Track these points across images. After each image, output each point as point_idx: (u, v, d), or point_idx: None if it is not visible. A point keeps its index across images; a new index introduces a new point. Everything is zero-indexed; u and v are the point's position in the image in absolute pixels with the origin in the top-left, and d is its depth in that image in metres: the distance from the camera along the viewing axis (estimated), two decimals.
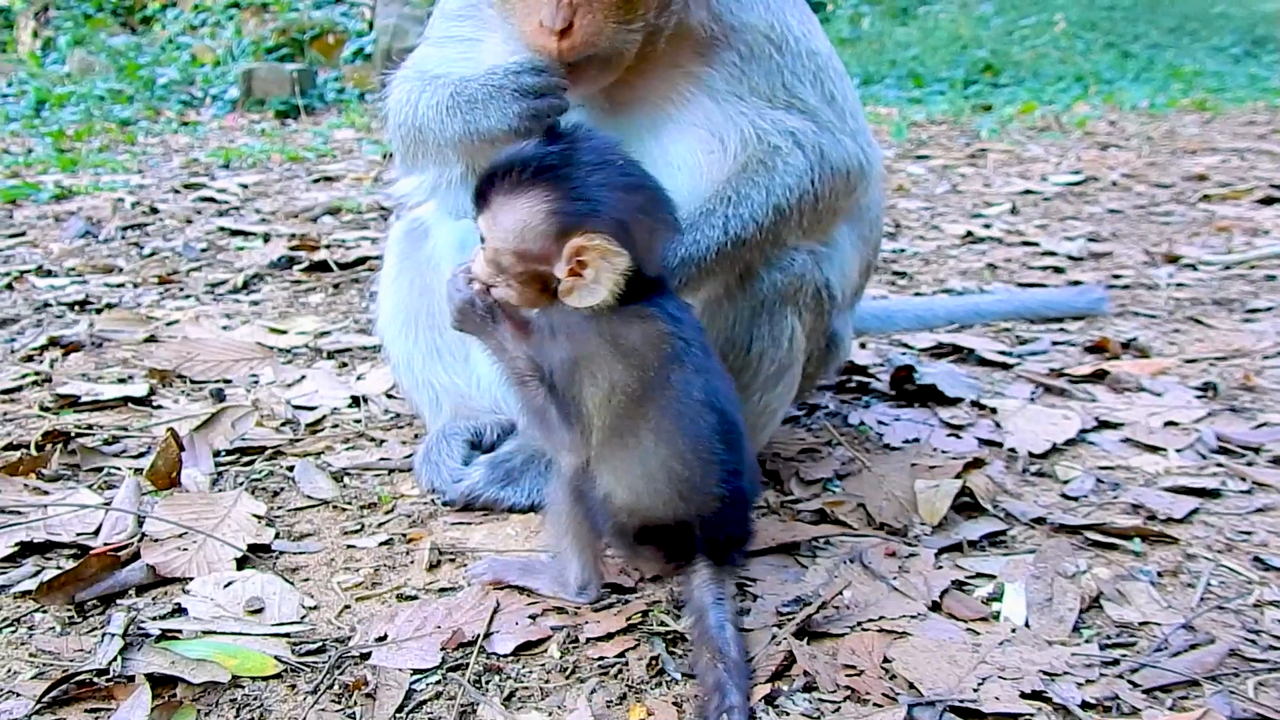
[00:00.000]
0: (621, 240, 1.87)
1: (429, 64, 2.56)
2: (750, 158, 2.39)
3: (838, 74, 2.55)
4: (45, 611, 2.11)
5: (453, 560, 2.32)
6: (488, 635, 2.02)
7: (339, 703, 1.84)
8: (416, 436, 2.96)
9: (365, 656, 1.95)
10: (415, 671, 1.91)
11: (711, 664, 1.82)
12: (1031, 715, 1.78)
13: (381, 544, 2.40)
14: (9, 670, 1.91)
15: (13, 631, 2.04)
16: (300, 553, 2.36)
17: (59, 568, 2.24)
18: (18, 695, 1.83)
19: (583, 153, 1.94)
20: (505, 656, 1.96)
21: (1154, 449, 2.89)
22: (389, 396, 3.29)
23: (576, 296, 1.90)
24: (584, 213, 1.88)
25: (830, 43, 2.65)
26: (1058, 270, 4.94)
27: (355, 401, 3.27)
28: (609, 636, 2.02)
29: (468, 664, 1.93)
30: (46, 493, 2.59)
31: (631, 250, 1.87)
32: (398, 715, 1.80)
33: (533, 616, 2.08)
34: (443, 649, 1.97)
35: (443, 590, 2.20)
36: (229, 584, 2.19)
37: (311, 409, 3.19)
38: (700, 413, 1.91)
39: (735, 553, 2.04)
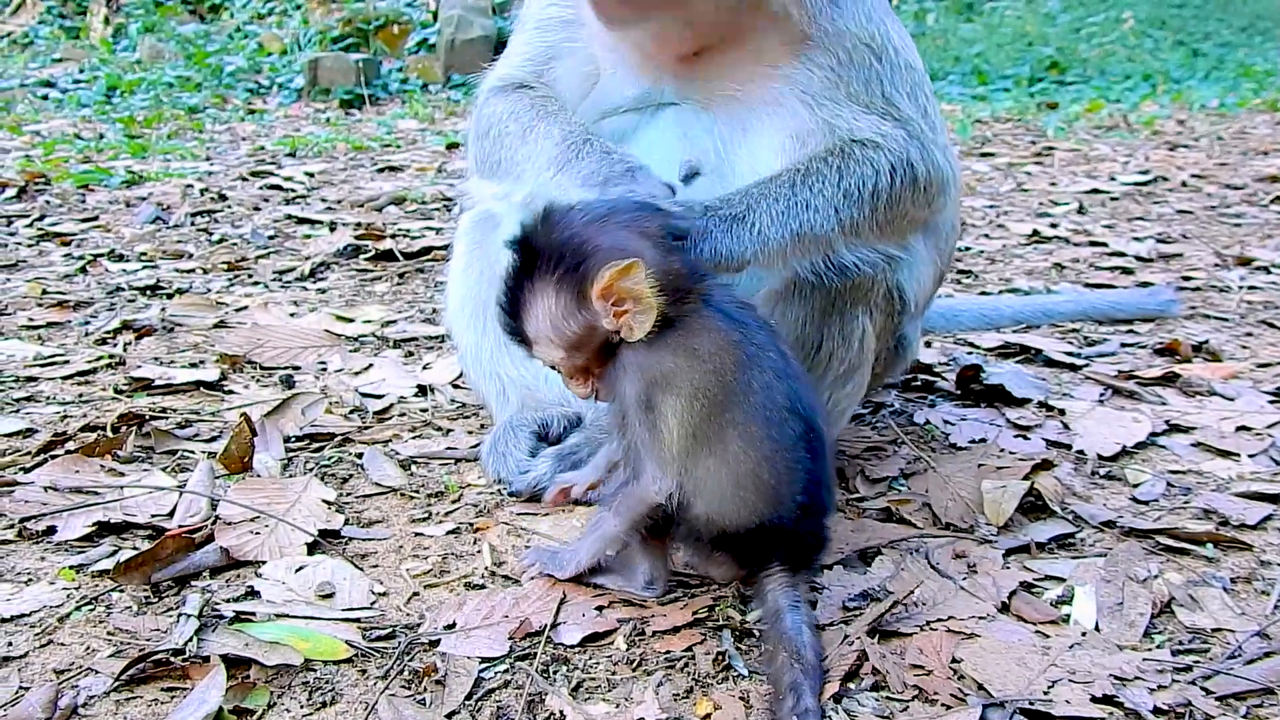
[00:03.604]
0: (636, 256, 1.90)
1: (522, 63, 2.62)
2: (830, 146, 2.37)
3: (930, 92, 2.55)
4: (122, 591, 2.14)
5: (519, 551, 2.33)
6: (554, 626, 2.03)
7: (409, 688, 1.86)
8: (483, 427, 2.98)
9: (434, 644, 1.97)
10: (483, 660, 1.92)
11: (788, 664, 1.81)
12: None
13: (449, 532, 2.42)
14: (88, 648, 1.95)
15: (91, 609, 2.08)
16: (369, 539, 2.39)
17: (135, 548, 2.28)
18: (97, 673, 1.86)
19: (551, 231, 1.99)
20: (572, 647, 1.97)
21: (1226, 454, 2.85)
22: (455, 386, 3.31)
23: (636, 330, 1.93)
24: (582, 264, 1.93)
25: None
26: (1126, 271, 4.88)
27: (422, 391, 3.29)
28: (676, 630, 2.02)
29: (535, 653, 1.94)
30: (122, 474, 2.64)
31: (645, 259, 1.90)
32: (467, 703, 1.82)
33: (599, 608, 2.09)
34: (510, 638, 1.98)
35: (508, 579, 2.21)
36: (300, 568, 2.22)
37: (379, 397, 3.22)
38: (785, 418, 1.91)
39: (812, 559, 2.03)
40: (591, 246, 1.94)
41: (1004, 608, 2.11)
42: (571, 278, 1.94)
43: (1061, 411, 3.11)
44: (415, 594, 2.17)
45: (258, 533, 2.34)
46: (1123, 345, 3.79)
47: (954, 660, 1.93)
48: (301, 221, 5.80)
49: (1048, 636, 2.01)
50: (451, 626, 2.02)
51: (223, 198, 6.39)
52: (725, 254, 2.22)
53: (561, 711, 1.79)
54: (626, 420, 1.98)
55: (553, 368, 2.10)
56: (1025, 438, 2.95)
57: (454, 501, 2.58)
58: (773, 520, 1.91)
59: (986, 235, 5.66)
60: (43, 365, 3.45)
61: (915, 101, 2.47)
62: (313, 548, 2.32)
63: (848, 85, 2.41)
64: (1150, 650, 1.97)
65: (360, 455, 2.80)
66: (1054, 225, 5.82)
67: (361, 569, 2.24)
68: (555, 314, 1.98)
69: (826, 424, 2.01)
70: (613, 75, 2.54)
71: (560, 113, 2.50)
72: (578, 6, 2.52)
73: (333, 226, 5.61)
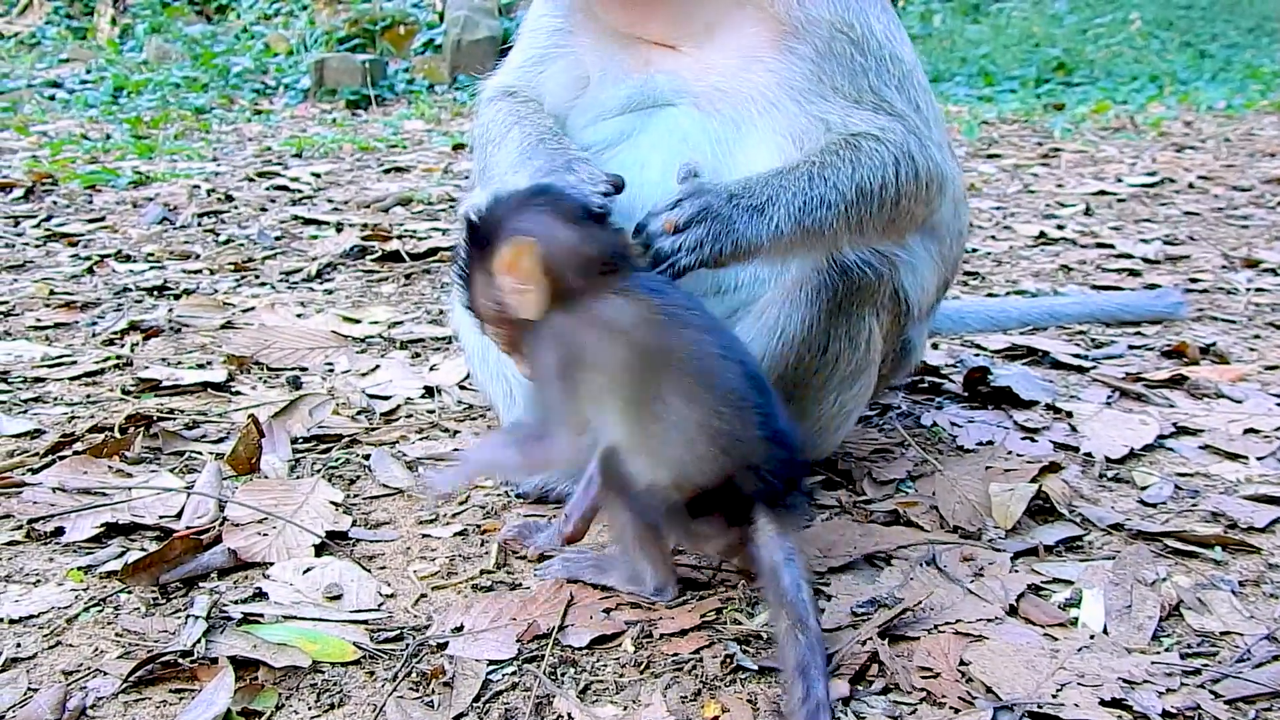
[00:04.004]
0: (530, 237, 1.97)
1: (514, 71, 2.65)
2: (836, 140, 2.35)
3: (922, 87, 2.52)
4: (130, 592, 2.15)
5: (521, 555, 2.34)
6: (562, 628, 2.03)
7: (417, 690, 1.86)
8: (489, 428, 2.98)
9: (442, 646, 1.97)
10: (491, 662, 1.93)
11: (792, 634, 1.80)
12: None
13: (456, 534, 2.42)
14: (96, 649, 1.96)
15: (99, 611, 2.08)
16: (376, 541, 2.39)
17: (143, 549, 2.29)
18: (105, 674, 1.87)
19: (486, 213, 2.08)
20: (580, 650, 1.97)
21: (1234, 456, 2.84)
22: (462, 387, 3.31)
23: (528, 307, 2.00)
24: (492, 244, 2.02)
25: (916, 54, 2.64)
26: (1133, 273, 4.87)
27: (429, 392, 3.30)
28: (683, 633, 2.02)
29: (543, 656, 1.94)
30: (130, 475, 2.64)
31: (547, 239, 1.97)
32: (475, 705, 1.82)
33: (607, 611, 2.09)
34: (518, 640, 1.98)
35: (516, 584, 2.22)
36: (308, 570, 2.23)
37: (386, 398, 3.23)
38: (723, 364, 1.93)
39: (795, 496, 1.99)
40: (503, 228, 2.01)
41: (1012, 610, 2.11)
42: (485, 256, 2.04)
43: (1069, 414, 3.11)
44: (423, 596, 2.17)
45: (265, 534, 2.34)
46: (1130, 347, 3.78)
47: (962, 663, 1.93)
48: (308, 222, 5.81)
49: (1056, 639, 2.00)
50: (460, 629, 2.02)
51: (229, 198, 6.40)
52: (743, 244, 2.21)
53: (570, 714, 1.79)
54: (542, 392, 2.05)
55: (495, 341, 2.18)
56: (1033, 440, 2.95)
57: (461, 503, 2.58)
58: (741, 465, 1.91)
59: (993, 237, 5.66)
60: (50, 366, 3.46)
61: (905, 95, 2.44)
62: (320, 549, 2.33)
63: (831, 78, 2.38)
64: (1159, 653, 1.97)
65: (367, 456, 2.80)
66: (1061, 227, 5.81)
67: (369, 570, 2.25)
68: (478, 289, 2.08)
69: (762, 372, 2.04)
70: (602, 76, 2.54)
71: (531, 116, 2.53)
72: (569, 13, 2.57)
73: (339, 227, 5.61)
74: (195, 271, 4.79)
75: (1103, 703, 1.81)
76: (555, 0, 2.64)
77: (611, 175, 2.28)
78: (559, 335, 1.99)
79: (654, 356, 1.92)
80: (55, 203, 6.21)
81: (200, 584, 2.19)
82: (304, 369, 3.49)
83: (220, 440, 2.90)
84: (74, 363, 3.49)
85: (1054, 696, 1.82)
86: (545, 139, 2.43)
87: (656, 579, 2.11)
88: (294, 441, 2.87)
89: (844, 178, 2.29)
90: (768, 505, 1.93)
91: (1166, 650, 1.99)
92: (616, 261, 2.03)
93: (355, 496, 2.61)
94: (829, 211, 2.28)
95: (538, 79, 2.64)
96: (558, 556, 2.26)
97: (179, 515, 2.45)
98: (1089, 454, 2.84)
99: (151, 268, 4.83)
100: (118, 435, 2.84)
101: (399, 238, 5.31)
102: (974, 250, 5.31)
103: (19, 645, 1.96)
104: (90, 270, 4.76)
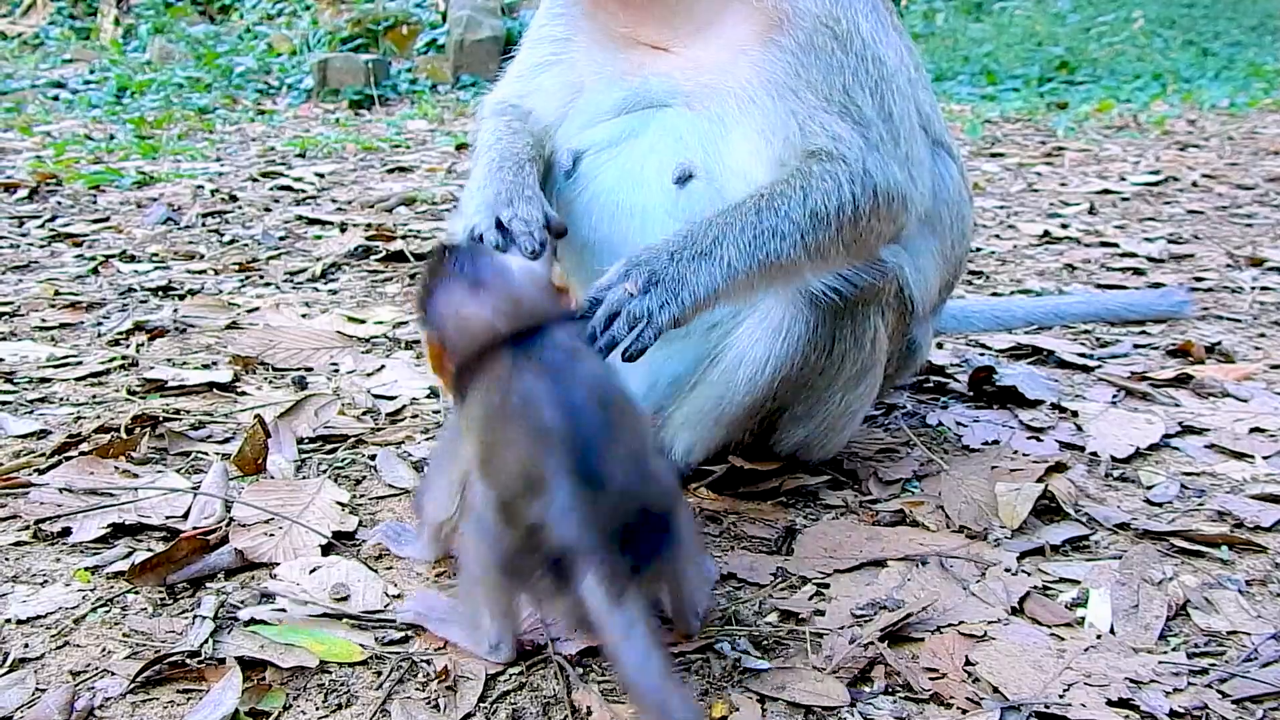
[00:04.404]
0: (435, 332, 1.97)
1: (510, 84, 2.69)
2: (789, 169, 2.31)
3: (900, 93, 2.44)
4: (137, 592, 2.15)
5: None
6: (554, 639, 2.00)
7: (423, 690, 1.86)
8: None
9: (448, 644, 1.97)
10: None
11: None
12: None
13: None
14: (104, 650, 1.96)
15: (106, 611, 2.08)
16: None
17: (150, 550, 2.29)
18: (113, 674, 1.87)
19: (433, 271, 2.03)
20: (583, 652, 1.96)
21: (1240, 455, 2.84)
22: None
23: (448, 391, 2.00)
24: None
25: (915, 58, 2.62)
26: (1138, 272, 4.87)
27: (434, 392, 3.29)
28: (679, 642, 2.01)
29: (545, 659, 1.94)
30: (136, 475, 2.64)
31: (451, 327, 1.93)
32: (480, 705, 1.82)
33: None
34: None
35: None
36: (314, 570, 2.23)
37: (391, 398, 3.23)
38: (538, 403, 1.77)
39: (646, 551, 1.75)
40: (433, 307, 1.97)
41: (1018, 610, 2.11)
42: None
43: (1074, 413, 3.11)
44: None
45: (272, 534, 2.35)
46: (1135, 346, 3.78)
47: (969, 663, 1.93)
48: (312, 222, 5.81)
49: (1063, 639, 2.01)
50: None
51: (233, 198, 6.40)
52: (700, 292, 2.16)
53: (589, 707, 1.80)
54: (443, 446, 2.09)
55: None
56: (1038, 439, 2.95)
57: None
58: (551, 508, 1.70)
59: (997, 236, 5.66)
60: (56, 366, 3.46)
61: (878, 100, 2.37)
62: (327, 549, 2.33)
63: (809, 73, 2.33)
64: (1165, 653, 1.98)
65: (373, 457, 2.80)
66: (1065, 226, 5.81)
67: (375, 570, 2.25)
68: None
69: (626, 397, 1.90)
70: (598, 79, 2.54)
71: (505, 137, 2.53)
72: (568, 19, 2.58)
73: (343, 227, 5.61)
74: (200, 272, 4.79)
75: (1110, 703, 1.81)
76: (553, 8, 2.65)
77: (554, 219, 2.32)
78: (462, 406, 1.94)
79: (497, 418, 1.82)
80: (60, 203, 6.21)
81: (207, 584, 2.19)
82: (309, 369, 3.49)
83: (226, 441, 2.90)
84: (79, 363, 3.49)
85: (1061, 696, 1.83)
86: (504, 166, 2.42)
87: (493, 634, 1.93)
88: (300, 442, 2.87)
89: (794, 205, 2.25)
90: (602, 562, 1.67)
91: (1173, 650, 1.99)
92: (528, 326, 1.89)
93: (361, 497, 2.61)
94: (783, 242, 2.23)
95: (534, 89, 2.65)
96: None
97: (185, 516, 2.45)
98: (1094, 453, 2.84)
99: (156, 268, 4.83)
100: (124, 436, 2.84)
101: (403, 238, 5.31)
102: (978, 249, 5.30)
103: (27, 646, 1.96)
104: (95, 271, 4.76)
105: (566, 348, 1.87)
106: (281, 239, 5.43)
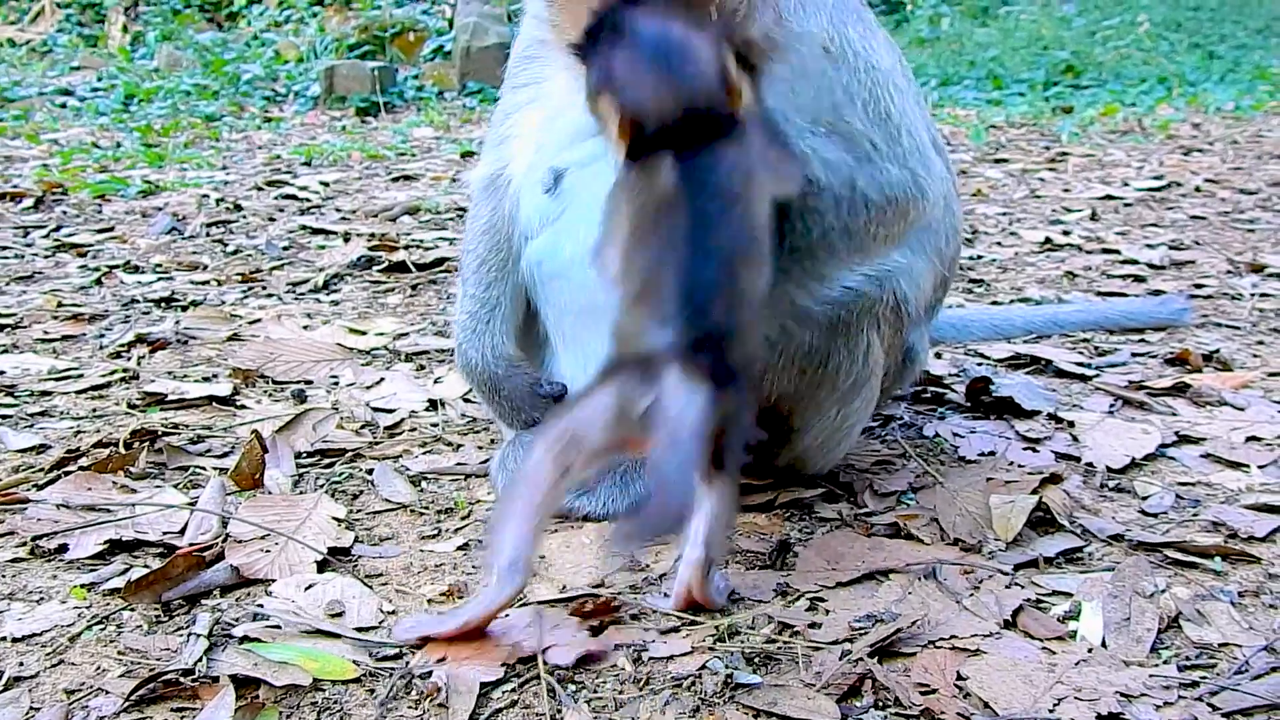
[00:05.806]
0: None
1: (496, 151, 2.75)
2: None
3: (898, 89, 2.46)
4: (133, 610, 2.16)
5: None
6: (546, 649, 2.00)
7: (415, 708, 1.87)
8: (492, 442, 2.99)
9: (442, 661, 1.98)
10: (484, 684, 1.92)
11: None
12: None
13: (458, 549, 2.43)
14: (98, 668, 1.97)
15: (102, 629, 2.10)
16: (379, 557, 2.40)
17: (146, 566, 2.30)
18: (107, 693, 1.88)
19: None
20: (570, 669, 1.96)
21: (1236, 465, 2.84)
22: (465, 400, 3.32)
23: None
24: None
25: (897, 53, 2.62)
26: (1138, 279, 4.87)
27: (433, 405, 3.31)
28: (685, 654, 2.01)
29: (537, 675, 1.95)
30: (134, 490, 2.66)
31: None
32: None
33: (593, 630, 2.08)
34: (504, 664, 1.96)
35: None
36: (310, 586, 2.24)
37: (390, 412, 3.24)
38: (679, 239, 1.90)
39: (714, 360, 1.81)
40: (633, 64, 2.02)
41: (1010, 624, 2.11)
42: None
43: (1071, 423, 3.11)
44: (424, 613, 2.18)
45: (268, 551, 2.36)
46: (1134, 355, 3.78)
47: (960, 678, 1.93)
48: (316, 232, 5.83)
49: (1054, 653, 2.01)
50: (443, 659, 2.00)
51: (238, 208, 6.43)
52: None
53: None
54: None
55: None
56: (1034, 450, 2.95)
57: (463, 518, 2.59)
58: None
59: (999, 243, 5.66)
60: (57, 379, 3.48)
61: (872, 109, 2.38)
62: (322, 565, 2.34)
63: (798, 98, 2.33)
64: (1157, 666, 1.98)
65: (371, 471, 2.81)
66: (1066, 232, 5.81)
67: (371, 587, 2.26)
68: None
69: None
70: (574, 106, 2.52)
71: (485, 260, 2.73)
72: (542, 62, 2.59)
73: (347, 237, 5.64)
74: (203, 282, 4.81)
75: (1100, 717, 1.81)
76: (525, 52, 2.66)
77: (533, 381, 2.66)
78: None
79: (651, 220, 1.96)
80: (65, 212, 6.25)
81: (203, 601, 2.20)
82: (309, 382, 3.51)
83: (224, 455, 2.92)
84: (80, 376, 3.51)
85: (1051, 710, 1.83)
86: (493, 320, 2.70)
87: (509, 553, 1.95)
88: (298, 456, 2.88)
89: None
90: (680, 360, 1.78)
91: (1164, 663, 1.99)
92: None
93: (358, 512, 2.62)
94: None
95: (512, 134, 2.68)
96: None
97: (182, 531, 2.46)
98: (1090, 464, 2.84)
99: (159, 279, 4.85)
100: (123, 450, 2.85)
101: (406, 248, 5.33)
102: (979, 257, 5.31)
103: (21, 664, 1.97)
104: (98, 281, 4.78)
105: (727, 178, 1.95)
106: (285, 249, 5.46)
